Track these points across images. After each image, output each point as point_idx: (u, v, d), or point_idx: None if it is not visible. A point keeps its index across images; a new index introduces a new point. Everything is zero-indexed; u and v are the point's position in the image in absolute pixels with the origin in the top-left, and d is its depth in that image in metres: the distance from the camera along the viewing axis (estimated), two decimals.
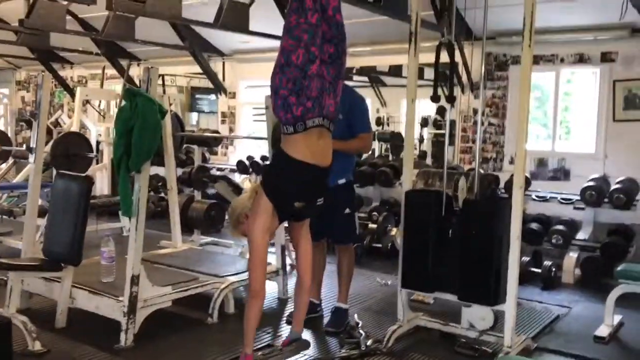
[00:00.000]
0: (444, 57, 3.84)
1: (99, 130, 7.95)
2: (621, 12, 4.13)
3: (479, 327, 3.73)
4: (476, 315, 3.77)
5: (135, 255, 3.68)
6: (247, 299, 2.79)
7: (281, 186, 2.64)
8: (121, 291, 3.71)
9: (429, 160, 8.28)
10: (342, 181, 3.94)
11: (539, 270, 5.37)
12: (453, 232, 3.62)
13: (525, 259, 5.51)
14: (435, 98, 3.80)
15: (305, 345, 3.19)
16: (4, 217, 5.97)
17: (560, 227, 5.73)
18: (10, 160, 8.32)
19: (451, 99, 3.80)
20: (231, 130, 9.65)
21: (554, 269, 5.33)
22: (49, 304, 4.09)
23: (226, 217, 7.36)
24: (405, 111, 9.08)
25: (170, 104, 9.74)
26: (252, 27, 6.19)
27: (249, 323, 2.75)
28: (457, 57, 6.27)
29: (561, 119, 7.08)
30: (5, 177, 8.12)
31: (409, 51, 3.83)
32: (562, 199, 5.95)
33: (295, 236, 2.98)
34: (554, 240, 5.61)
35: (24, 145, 6.84)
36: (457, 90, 6.69)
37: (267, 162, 2.82)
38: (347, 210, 4.03)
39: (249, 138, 8.94)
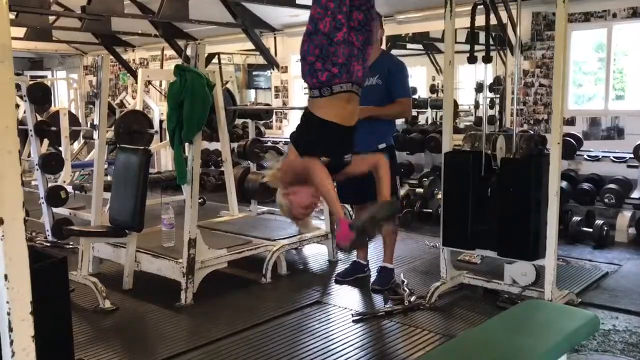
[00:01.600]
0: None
1: (162, 109, 8.33)
2: None
3: (521, 282, 3.81)
4: (518, 271, 3.86)
5: (192, 219, 3.96)
6: (317, 188, 2.73)
7: (309, 142, 2.68)
8: (181, 254, 4.01)
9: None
10: (382, 145, 4.06)
11: (591, 230, 5.34)
12: (492, 190, 3.70)
13: (577, 218, 5.50)
14: (472, 59, 3.85)
15: (395, 203, 3.06)
16: (77, 192, 6.42)
17: (613, 186, 5.65)
18: (82, 141, 8.90)
19: (487, 59, 3.84)
20: (284, 103, 9.87)
21: (605, 228, 5.29)
22: (117, 268, 4.46)
23: None
24: (460, 77, 8.99)
25: (227, 82, 10.08)
26: (298, 1, 6.34)
27: (329, 196, 2.64)
28: (504, 18, 6.22)
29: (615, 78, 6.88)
30: (77, 157, 8.70)
31: (444, 14, 3.88)
32: (615, 157, 5.84)
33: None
34: (606, 200, 5.55)
35: (89, 124, 7.30)
36: (506, 52, 6.62)
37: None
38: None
39: (296, 109, 9.14)
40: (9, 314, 1.27)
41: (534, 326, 2.04)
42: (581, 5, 6.34)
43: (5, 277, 1.25)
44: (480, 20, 4.02)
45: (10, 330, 1.27)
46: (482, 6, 3.93)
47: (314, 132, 2.68)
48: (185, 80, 3.75)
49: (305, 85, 2.84)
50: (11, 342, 1.27)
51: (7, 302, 1.26)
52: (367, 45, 2.74)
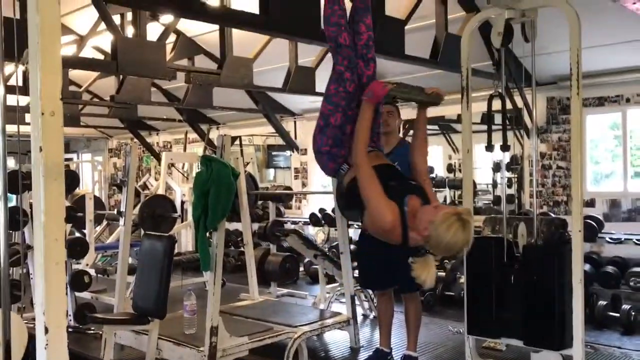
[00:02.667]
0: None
1: (183, 191, 8.52)
2: None
3: None
4: None
5: (214, 307, 3.97)
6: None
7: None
8: (202, 342, 3.99)
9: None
10: None
11: (618, 315, 5.23)
12: (515, 278, 3.69)
13: (603, 303, 5.39)
14: (489, 147, 3.95)
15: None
16: (99, 275, 6.48)
17: (638, 269, 5.58)
18: (104, 223, 9.05)
19: (505, 148, 3.93)
20: (304, 184, 10.03)
21: (633, 313, 5.18)
22: (139, 354, 4.43)
23: (301, 269, 7.68)
24: (477, 157, 9.12)
25: (248, 163, 10.30)
26: (318, 89, 6.57)
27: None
28: (520, 103, 6.39)
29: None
30: (100, 239, 8.83)
31: (461, 104, 4.02)
32: (638, 240, 5.80)
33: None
34: (632, 283, 5.47)
35: (115, 209, 7.46)
36: (522, 135, 6.75)
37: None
38: (411, 259, 4.18)
39: (316, 193, 9.28)
40: None
41: None
42: (595, 90, 6.51)
43: None
44: (496, 105, 4.15)
45: None
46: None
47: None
48: (211, 170, 3.88)
49: (326, 174, 2.94)
50: None
51: None
52: (373, 136, 2.87)
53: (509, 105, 5.34)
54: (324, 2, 2.81)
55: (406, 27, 5.00)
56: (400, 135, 4.86)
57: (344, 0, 2.84)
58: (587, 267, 5.72)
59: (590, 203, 6.63)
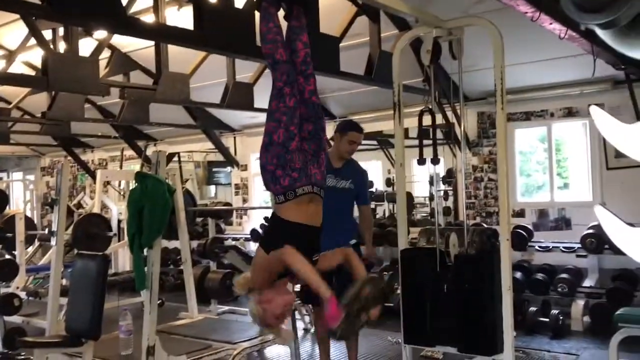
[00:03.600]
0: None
1: (120, 209, 8.32)
2: (593, 69, 4.43)
3: None
4: None
5: (150, 326, 3.91)
6: (294, 270, 2.67)
7: (280, 241, 2.73)
8: None
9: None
10: (353, 241, 4.31)
11: (548, 320, 5.46)
12: (448, 287, 3.79)
13: (534, 308, 5.62)
14: (421, 161, 4.06)
15: (379, 279, 3.01)
16: (31, 298, 6.24)
17: (565, 275, 5.84)
18: (36, 244, 8.72)
19: (435, 161, 4.04)
20: (244, 200, 9.99)
21: (561, 318, 5.42)
22: None
23: None
24: (416, 170, 9.28)
25: (187, 180, 10.19)
26: (256, 104, 6.59)
27: (307, 272, 2.65)
28: (452, 119, 6.62)
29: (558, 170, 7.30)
30: (32, 260, 8.49)
31: (394, 120, 4.13)
32: (565, 247, 6.09)
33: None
34: (559, 289, 5.72)
35: (47, 230, 7.21)
36: (454, 149, 6.96)
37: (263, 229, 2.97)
38: None
39: (255, 208, 9.28)
40: None
41: None
42: (522, 106, 6.81)
43: None
44: (429, 120, 4.28)
45: None
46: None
47: (283, 234, 2.76)
48: (145, 186, 3.83)
49: (267, 191, 2.96)
50: None
51: None
52: (319, 152, 2.91)
53: (441, 120, 5.54)
54: (260, 20, 2.84)
55: (341, 45, 5.10)
56: None
57: (279, 18, 2.89)
58: (519, 274, 5.95)
59: (520, 213, 6.91)
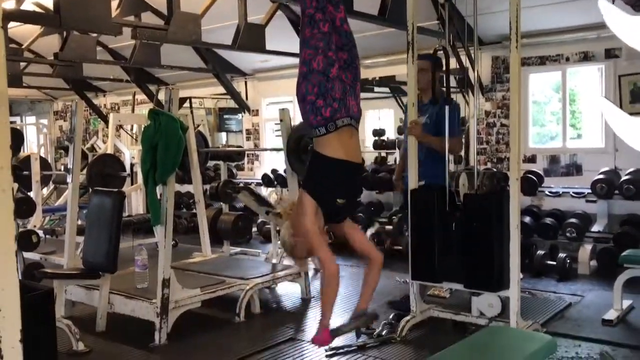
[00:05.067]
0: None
1: (133, 153, 8.40)
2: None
3: (488, 314, 3.95)
4: (484, 303, 4.00)
5: (165, 260, 4.02)
6: (324, 280, 2.88)
7: (322, 184, 2.80)
8: (154, 295, 4.05)
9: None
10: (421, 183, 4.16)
11: (555, 263, 5.53)
12: (456, 225, 3.86)
13: (541, 252, 5.69)
14: (434, 101, 4.06)
15: (374, 316, 3.19)
16: (48, 236, 6.40)
17: (573, 220, 5.88)
18: (51, 186, 8.87)
19: (448, 101, 4.05)
20: (256, 146, 10.03)
21: (568, 261, 5.49)
22: (90, 311, 4.45)
23: (254, 228, 7.77)
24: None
25: (198, 125, 10.21)
26: (268, 47, 6.53)
27: (329, 299, 2.78)
28: (465, 63, 6.53)
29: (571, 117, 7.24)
30: (47, 203, 8.66)
31: (407, 59, 4.11)
32: (575, 192, 6.10)
33: (341, 233, 3.03)
34: (568, 234, 5.77)
35: (62, 168, 7.32)
36: (467, 97, 6.91)
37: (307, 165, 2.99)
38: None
39: (267, 150, 9.34)
40: (0, 341, 1.34)
41: (497, 349, 2.17)
42: (536, 50, 6.70)
43: None
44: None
45: (1, 357, 1.35)
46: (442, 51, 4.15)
47: (325, 172, 2.77)
48: (159, 123, 3.88)
49: (306, 123, 2.95)
50: None
51: None
52: (355, 82, 2.89)
53: (454, 65, 5.47)
54: None
55: None
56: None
57: None
58: (528, 219, 5.99)
59: (532, 159, 6.90)
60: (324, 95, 2.71)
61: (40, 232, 6.16)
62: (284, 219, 3.00)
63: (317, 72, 2.70)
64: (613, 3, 4.21)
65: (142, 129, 4.18)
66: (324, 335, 2.73)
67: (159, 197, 4.09)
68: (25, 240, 5.33)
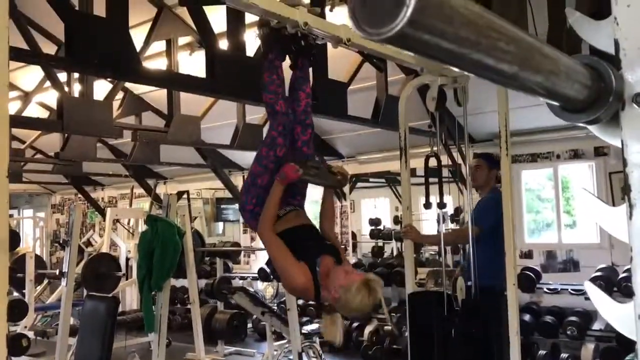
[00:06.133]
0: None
1: (129, 247, 8.38)
2: None
3: None
4: None
5: None
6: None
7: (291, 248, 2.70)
8: None
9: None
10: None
11: None
12: (455, 331, 3.79)
13: (542, 352, 5.57)
14: (427, 205, 4.11)
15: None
16: (39, 338, 6.26)
17: (573, 318, 5.80)
18: (45, 282, 8.77)
19: (442, 205, 4.09)
20: (252, 239, 10.01)
21: None
22: None
23: (249, 325, 7.62)
24: (424, 209, 9.31)
25: (195, 217, 10.26)
26: None
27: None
28: (458, 159, 6.68)
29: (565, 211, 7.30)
30: (40, 298, 8.52)
31: (400, 163, 4.20)
32: (573, 290, 6.05)
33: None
34: (569, 332, 5.68)
35: (57, 269, 7.27)
36: (462, 187, 6.99)
37: None
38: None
39: (264, 250, 9.29)
40: None
41: None
42: (528, 147, 6.87)
43: None
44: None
45: None
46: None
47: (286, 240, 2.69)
48: (156, 229, 3.90)
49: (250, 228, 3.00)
50: None
51: None
52: (302, 202, 2.98)
53: (447, 161, 5.59)
54: (264, 70, 2.93)
55: (349, 89, 5.21)
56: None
57: (282, 71, 2.98)
58: (528, 317, 5.91)
59: (528, 254, 6.89)
60: (261, 205, 2.79)
61: (31, 334, 6.03)
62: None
63: (259, 187, 2.84)
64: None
65: (140, 234, 4.19)
66: (287, 168, 2.67)
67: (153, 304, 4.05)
68: (15, 345, 5.21)
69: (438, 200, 4.11)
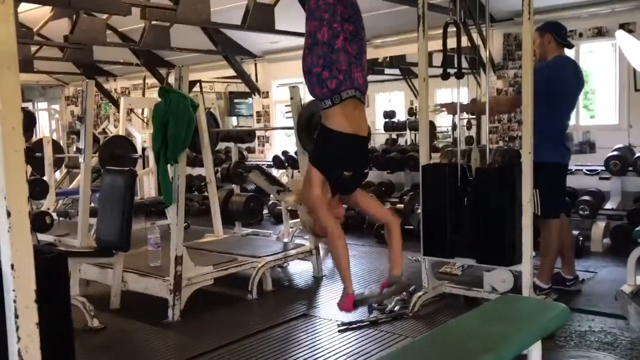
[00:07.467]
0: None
1: (144, 137, 8.43)
2: None
3: (500, 289, 3.95)
4: (496, 278, 4.00)
5: (178, 237, 4.04)
6: (329, 248, 2.89)
7: (328, 157, 2.80)
8: (167, 272, 4.07)
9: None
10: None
11: None
12: (468, 200, 3.83)
13: None
14: (445, 76, 4.03)
15: (405, 286, 3.19)
16: (61, 219, 6.45)
17: (587, 197, 5.84)
18: (64, 170, 8.93)
19: (460, 75, 4.01)
20: (266, 129, 10.03)
21: (581, 239, 5.45)
22: (104, 289, 4.49)
23: (265, 210, 7.78)
24: (438, 101, 9.19)
25: (209, 108, 10.23)
26: (277, 27, 6.51)
27: (341, 263, 2.74)
28: (477, 41, 6.47)
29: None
30: (60, 186, 8.72)
31: (417, 34, 4.07)
32: (588, 170, 6.05)
33: (353, 204, 3.05)
34: (581, 211, 5.73)
35: (75, 149, 7.36)
36: (479, 78, 6.85)
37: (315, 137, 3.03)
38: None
39: (278, 129, 9.33)
40: (14, 301, 1.36)
41: (508, 317, 2.16)
42: None
43: (12, 266, 1.34)
44: (453, 42, 4.18)
45: (16, 317, 1.36)
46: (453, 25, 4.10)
47: (330, 146, 2.76)
48: (169, 101, 3.87)
49: (312, 96, 2.94)
50: (17, 328, 1.36)
51: (14, 290, 1.35)
52: (361, 54, 2.85)
53: (466, 43, 5.42)
54: None
55: None
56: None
57: None
58: None
59: None
60: (330, 67, 2.69)
61: (54, 215, 6.21)
62: (296, 198, 3.00)
63: (322, 44, 2.68)
64: None
65: (154, 106, 4.18)
66: (347, 302, 2.72)
67: (170, 177, 4.08)
68: (39, 221, 5.37)
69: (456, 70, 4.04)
